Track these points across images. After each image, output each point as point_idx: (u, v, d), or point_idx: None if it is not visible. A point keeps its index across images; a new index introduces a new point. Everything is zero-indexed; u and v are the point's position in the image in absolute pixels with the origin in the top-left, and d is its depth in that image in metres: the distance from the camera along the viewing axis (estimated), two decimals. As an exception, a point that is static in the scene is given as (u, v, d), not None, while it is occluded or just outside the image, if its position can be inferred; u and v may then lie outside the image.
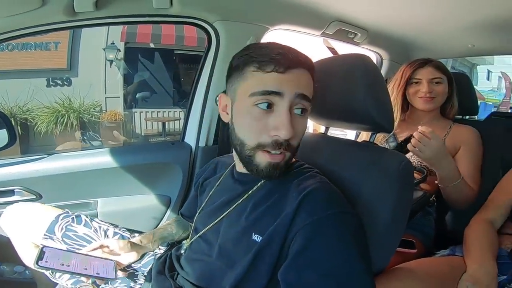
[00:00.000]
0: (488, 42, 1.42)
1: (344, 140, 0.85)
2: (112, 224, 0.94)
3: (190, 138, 1.19)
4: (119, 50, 5.91)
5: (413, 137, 0.98)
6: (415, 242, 0.98)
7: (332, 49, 2.45)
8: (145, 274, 0.81)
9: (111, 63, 5.88)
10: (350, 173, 0.70)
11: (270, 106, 0.57)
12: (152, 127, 6.41)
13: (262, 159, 0.59)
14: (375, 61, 1.64)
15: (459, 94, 1.24)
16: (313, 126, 2.19)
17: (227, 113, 0.65)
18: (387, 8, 1.16)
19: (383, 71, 1.65)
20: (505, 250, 0.89)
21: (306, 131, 0.64)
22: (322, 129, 0.91)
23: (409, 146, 1.00)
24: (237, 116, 0.62)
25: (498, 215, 0.95)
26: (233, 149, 0.65)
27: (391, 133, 1.23)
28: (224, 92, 0.67)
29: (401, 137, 1.21)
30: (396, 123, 1.21)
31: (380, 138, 1.27)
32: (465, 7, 1.07)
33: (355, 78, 0.69)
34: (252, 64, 0.58)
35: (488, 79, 17.73)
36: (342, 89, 0.71)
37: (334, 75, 0.73)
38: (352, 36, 1.37)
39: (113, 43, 5.83)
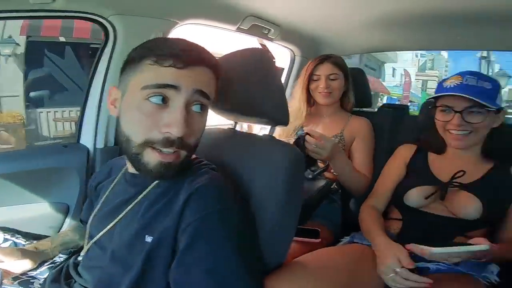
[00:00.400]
0: (387, 39, 1.59)
1: (248, 135, 0.87)
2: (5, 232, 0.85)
3: (86, 139, 1.09)
4: (17, 44, 5.21)
5: (305, 139, 1.05)
6: (319, 231, 1.05)
7: (263, 46, 2.52)
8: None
9: (6, 59, 5.12)
10: (247, 168, 0.72)
11: (165, 100, 0.54)
12: (63, 128, 5.72)
13: (152, 157, 0.56)
14: (289, 58, 1.73)
15: (355, 88, 1.38)
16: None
17: (115, 107, 0.61)
18: (297, 4, 1.22)
19: (295, 68, 1.73)
20: (393, 234, 0.96)
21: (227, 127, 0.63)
22: (256, 127, 0.93)
23: (307, 149, 1.06)
24: (125, 109, 0.58)
25: (382, 200, 1.04)
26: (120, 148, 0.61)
27: (300, 126, 1.32)
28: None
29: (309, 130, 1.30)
30: (303, 116, 1.32)
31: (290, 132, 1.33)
32: (366, 4, 1.17)
33: (250, 72, 0.71)
34: (150, 57, 0.55)
35: (393, 75, 20.58)
36: (241, 84, 0.73)
37: (235, 69, 0.74)
38: (266, 32, 1.41)
39: (10, 37, 5.15)
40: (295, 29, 1.48)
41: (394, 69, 20.00)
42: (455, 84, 0.86)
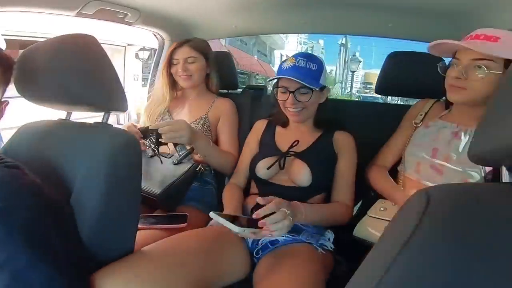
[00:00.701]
0: (251, 24, 1.64)
1: (77, 124, 0.80)
2: None
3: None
4: None
5: (159, 131, 1.03)
6: (187, 215, 1.03)
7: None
8: None
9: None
10: (70, 160, 0.68)
11: None
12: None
13: None
14: (156, 43, 1.65)
15: (221, 71, 1.39)
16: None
17: None
18: None
19: (165, 53, 1.64)
20: (250, 207, 1.00)
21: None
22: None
23: (165, 140, 1.05)
24: None
25: (241, 176, 1.11)
26: None
27: (166, 110, 1.29)
28: None
29: (177, 114, 1.29)
30: (167, 100, 1.29)
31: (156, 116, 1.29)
32: None
33: (68, 59, 0.65)
34: None
35: (281, 60, 22.41)
36: (60, 71, 0.66)
37: (53, 57, 0.67)
38: (121, 16, 1.29)
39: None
40: (159, 12, 1.40)
41: (281, 55, 21.81)
42: (289, 66, 0.97)
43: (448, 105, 0.97)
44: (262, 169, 1.00)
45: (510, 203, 0.38)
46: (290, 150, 1.01)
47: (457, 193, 0.40)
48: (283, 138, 1.08)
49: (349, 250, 0.90)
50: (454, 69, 0.83)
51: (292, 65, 0.97)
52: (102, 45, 0.72)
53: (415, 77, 1.19)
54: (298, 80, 0.93)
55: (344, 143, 1.04)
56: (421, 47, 1.42)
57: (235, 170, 1.15)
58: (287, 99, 0.99)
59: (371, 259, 0.42)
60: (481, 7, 1.04)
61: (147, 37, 1.71)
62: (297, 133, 1.06)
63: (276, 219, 0.73)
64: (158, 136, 1.03)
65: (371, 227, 0.90)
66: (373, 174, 1.03)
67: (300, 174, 0.96)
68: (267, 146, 1.09)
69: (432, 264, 0.35)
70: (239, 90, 1.66)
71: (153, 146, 1.04)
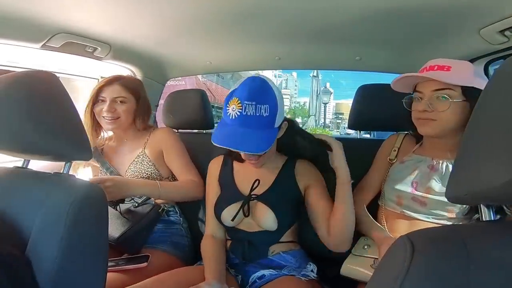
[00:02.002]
0: (225, 60, 1.64)
1: (33, 173, 0.76)
2: None
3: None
4: None
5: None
6: (149, 256, 1.00)
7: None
8: None
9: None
10: (27, 211, 0.64)
11: None
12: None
13: None
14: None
15: (195, 110, 1.37)
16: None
17: None
18: (126, 22, 1.12)
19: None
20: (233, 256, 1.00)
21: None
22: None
23: None
24: None
25: (213, 225, 1.02)
26: None
27: (105, 161, 1.18)
28: None
29: (114, 160, 1.19)
30: (92, 146, 1.09)
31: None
32: (202, 26, 1.18)
33: (22, 102, 0.61)
34: None
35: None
36: (13, 117, 0.62)
37: (4, 101, 0.63)
38: (91, 50, 1.26)
39: None
40: (130, 48, 1.38)
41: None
42: (236, 114, 0.81)
43: (418, 138, 1.00)
44: (227, 219, 0.94)
45: (496, 242, 0.39)
46: (252, 194, 0.94)
47: (440, 239, 0.40)
48: (242, 177, 1.01)
49: (336, 282, 0.92)
50: (419, 103, 0.87)
51: (238, 113, 0.80)
52: (73, 78, 0.68)
53: (386, 110, 1.21)
54: (249, 153, 0.89)
55: (310, 175, 0.99)
56: (388, 78, 1.50)
57: (206, 218, 1.06)
58: (242, 153, 0.94)
59: None
60: (441, 36, 1.11)
61: (120, 71, 1.67)
62: (256, 170, 0.99)
63: None
64: None
65: (356, 266, 0.90)
66: None
67: (265, 219, 0.91)
68: (227, 189, 1.02)
69: None
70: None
71: None
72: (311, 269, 0.95)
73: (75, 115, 0.69)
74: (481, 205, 0.44)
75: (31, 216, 0.63)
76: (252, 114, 0.80)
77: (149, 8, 1.01)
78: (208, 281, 0.84)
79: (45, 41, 1.07)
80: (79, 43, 1.18)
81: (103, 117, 1.12)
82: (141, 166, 1.15)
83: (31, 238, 0.61)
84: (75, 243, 0.61)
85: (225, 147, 0.81)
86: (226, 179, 1.03)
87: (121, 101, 1.14)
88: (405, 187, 0.91)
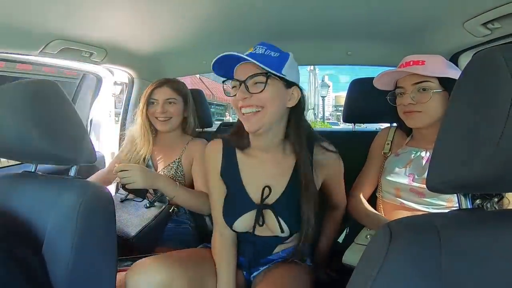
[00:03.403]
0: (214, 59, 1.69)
1: (47, 177, 0.80)
2: None
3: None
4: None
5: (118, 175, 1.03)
6: None
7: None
8: None
9: None
10: (40, 211, 0.68)
11: None
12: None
13: None
14: (126, 81, 1.64)
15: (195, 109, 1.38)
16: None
17: None
18: (121, 26, 1.15)
19: (135, 91, 1.66)
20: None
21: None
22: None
23: (121, 182, 1.05)
24: None
25: (222, 225, 0.95)
26: None
27: (149, 154, 1.23)
28: None
29: (159, 160, 1.26)
30: (151, 143, 1.23)
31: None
32: (195, 26, 1.21)
33: (28, 110, 0.65)
34: None
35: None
36: (20, 124, 0.65)
37: (12, 108, 0.66)
38: (87, 55, 1.29)
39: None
40: (126, 51, 1.41)
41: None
42: (246, 54, 0.77)
43: (408, 132, 1.04)
44: (242, 227, 0.89)
45: (468, 230, 0.42)
46: (264, 203, 0.87)
47: (416, 227, 0.43)
48: (250, 176, 0.90)
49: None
50: (402, 97, 0.92)
51: (248, 53, 0.78)
52: (71, 80, 0.71)
53: (379, 103, 1.23)
54: (251, 60, 0.74)
55: (333, 168, 0.93)
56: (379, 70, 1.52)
57: (213, 216, 0.99)
58: (237, 94, 0.78)
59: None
60: (427, 29, 1.15)
61: (117, 72, 1.70)
62: (264, 166, 0.89)
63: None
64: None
65: (358, 253, 0.91)
66: (353, 206, 1.05)
67: (277, 228, 0.86)
68: (235, 191, 0.91)
69: None
70: (222, 121, 1.66)
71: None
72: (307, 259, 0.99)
73: (78, 121, 0.72)
74: (459, 194, 0.47)
75: (44, 217, 0.67)
76: (261, 52, 0.78)
77: (143, 11, 1.03)
78: None
79: (41, 48, 1.09)
80: (75, 48, 1.21)
81: (156, 118, 1.20)
82: (174, 172, 1.21)
83: (46, 238, 0.65)
84: (87, 240, 0.66)
85: (229, 54, 0.75)
86: (231, 177, 0.92)
87: (171, 102, 1.21)
88: (402, 179, 0.94)
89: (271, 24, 1.21)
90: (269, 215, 0.87)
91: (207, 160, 0.97)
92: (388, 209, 0.99)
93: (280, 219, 0.85)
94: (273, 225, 0.87)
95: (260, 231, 0.90)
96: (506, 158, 0.35)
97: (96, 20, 1.07)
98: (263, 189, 0.86)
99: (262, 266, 0.97)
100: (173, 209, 1.14)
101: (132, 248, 1.06)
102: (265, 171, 0.89)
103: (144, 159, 1.23)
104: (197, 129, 1.39)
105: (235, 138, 0.91)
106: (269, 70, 0.75)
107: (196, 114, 1.33)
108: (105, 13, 1.02)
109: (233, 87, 0.82)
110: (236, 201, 0.91)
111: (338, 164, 0.93)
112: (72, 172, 0.78)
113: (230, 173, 0.92)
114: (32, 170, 0.83)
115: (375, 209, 1.02)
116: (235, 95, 0.79)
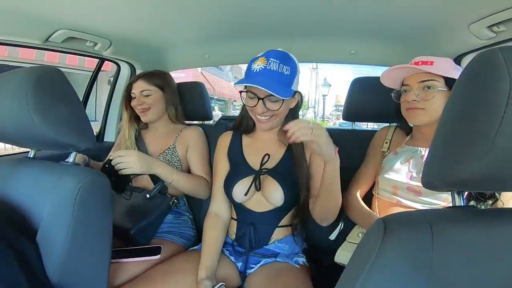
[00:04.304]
0: (223, 53, 1.66)
1: (46, 163, 0.79)
2: None
3: None
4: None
5: (111, 163, 1.03)
6: (161, 247, 1.05)
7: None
8: None
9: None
10: (36, 197, 0.69)
11: None
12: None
13: None
14: (126, 73, 1.64)
15: (194, 102, 1.42)
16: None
17: None
18: (126, 16, 1.15)
19: (122, 80, 1.67)
20: (231, 240, 1.05)
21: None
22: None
23: (117, 167, 1.05)
24: None
25: (220, 202, 1.06)
26: None
27: (135, 143, 1.28)
28: None
29: (148, 145, 1.29)
30: (132, 134, 1.29)
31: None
32: (200, 20, 1.22)
33: (29, 95, 0.64)
34: None
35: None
36: (21, 109, 0.65)
37: (13, 94, 0.66)
38: (91, 45, 1.29)
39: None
40: (130, 42, 1.41)
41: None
42: (260, 69, 0.88)
43: (408, 131, 1.05)
44: (239, 194, 0.97)
45: (460, 227, 0.42)
46: (263, 168, 0.97)
47: (410, 222, 0.44)
48: (252, 150, 1.05)
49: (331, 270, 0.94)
50: (407, 94, 0.93)
51: (263, 67, 0.88)
52: (75, 71, 0.71)
53: (379, 102, 1.24)
54: (267, 90, 0.86)
55: None
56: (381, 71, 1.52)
57: (212, 195, 1.10)
58: (256, 105, 0.93)
59: (342, 282, 0.46)
60: (432, 30, 1.15)
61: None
62: (265, 143, 1.04)
63: None
64: (111, 166, 1.01)
65: (350, 252, 0.92)
66: (349, 203, 1.06)
67: (273, 194, 0.95)
68: (237, 163, 1.04)
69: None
70: (219, 116, 1.66)
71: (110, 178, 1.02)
72: (302, 261, 1.01)
73: (79, 107, 0.72)
74: (453, 191, 0.48)
75: (41, 203, 0.67)
76: (275, 69, 0.88)
77: (148, 2, 1.03)
78: (201, 278, 0.90)
79: (46, 37, 1.10)
80: (80, 38, 1.21)
81: (137, 110, 1.27)
82: (170, 158, 1.24)
83: (42, 224, 0.65)
84: (83, 227, 0.66)
85: (248, 85, 0.91)
86: (236, 153, 1.06)
87: (146, 95, 1.26)
88: (400, 177, 0.95)
89: (275, 20, 1.21)
90: (267, 180, 0.96)
91: (218, 145, 1.12)
92: (383, 207, 1.00)
93: (277, 183, 0.94)
94: (270, 192, 0.95)
95: (257, 204, 0.99)
96: (501, 156, 0.36)
97: (102, 9, 1.07)
98: (263, 157, 0.96)
99: (258, 261, 0.99)
100: (173, 201, 1.15)
101: (129, 239, 1.06)
102: (264, 146, 1.03)
103: (129, 147, 1.26)
104: (195, 122, 1.42)
105: (241, 124, 1.09)
106: (282, 97, 0.88)
107: (179, 103, 1.35)
108: (111, 3, 1.02)
109: (250, 98, 0.95)
110: (238, 170, 1.02)
111: None
112: (71, 158, 0.78)
113: (235, 150, 1.07)
114: (31, 156, 0.83)
115: (370, 206, 1.03)
116: (254, 106, 0.93)
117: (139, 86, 1.26)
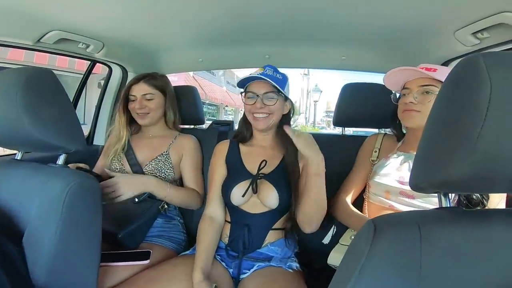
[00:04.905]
0: (216, 58, 1.66)
1: (34, 166, 0.79)
2: None
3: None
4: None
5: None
6: (150, 252, 1.03)
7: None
8: None
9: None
10: (24, 200, 0.68)
11: None
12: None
13: None
14: (118, 75, 1.63)
15: (186, 106, 1.41)
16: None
17: None
18: (120, 19, 1.15)
19: (114, 83, 1.66)
20: (224, 244, 1.04)
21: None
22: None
23: (108, 202, 1.05)
24: None
25: (214, 205, 1.07)
26: None
27: (123, 148, 1.24)
28: None
29: (138, 151, 1.25)
30: (123, 140, 1.24)
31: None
32: (194, 24, 1.22)
33: (19, 96, 0.64)
34: None
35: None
36: (10, 110, 0.64)
37: (2, 95, 0.66)
38: (83, 47, 1.28)
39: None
40: (123, 44, 1.40)
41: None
42: (258, 73, 1.02)
43: (399, 137, 1.07)
44: (237, 196, 1.00)
45: (447, 228, 0.44)
46: (260, 173, 1.01)
47: (399, 223, 0.45)
48: (250, 158, 1.08)
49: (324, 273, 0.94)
50: (406, 97, 0.96)
51: (260, 72, 1.03)
52: (65, 74, 0.71)
53: (370, 108, 1.27)
54: (267, 79, 0.98)
55: None
56: (373, 77, 1.55)
57: (207, 198, 1.10)
58: (255, 102, 1.02)
59: (333, 284, 0.47)
60: (420, 37, 1.18)
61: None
62: (262, 151, 1.09)
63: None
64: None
65: (343, 254, 0.92)
66: (339, 209, 1.07)
67: (269, 196, 0.98)
68: (236, 168, 1.08)
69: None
70: (208, 122, 1.66)
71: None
72: (295, 265, 1.02)
73: (70, 109, 0.71)
74: (439, 193, 0.49)
75: (29, 206, 0.66)
76: (270, 74, 1.03)
77: (143, 5, 1.04)
78: (199, 280, 0.89)
79: (39, 38, 1.09)
80: (72, 40, 1.20)
81: (136, 113, 1.24)
82: (163, 165, 1.21)
83: (29, 226, 0.64)
84: (71, 230, 0.65)
85: (249, 83, 1.05)
86: (234, 159, 1.10)
87: (148, 98, 1.24)
88: (392, 182, 0.97)
89: (269, 26, 1.23)
90: (264, 184, 1.00)
91: (215, 152, 1.15)
92: (375, 211, 1.01)
93: (272, 187, 0.98)
94: (266, 195, 0.98)
95: (253, 206, 1.01)
96: (483, 158, 0.37)
97: (96, 11, 1.07)
98: (261, 162, 1.02)
99: (251, 266, 0.99)
100: (163, 206, 1.13)
101: (117, 243, 1.04)
102: (262, 153, 1.08)
103: (120, 152, 1.24)
104: (187, 126, 1.40)
105: (239, 134, 1.15)
106: (280, 89, 1.01)
107: (177, 109, 1.34)
108: (106, 4, 1.02)
109: (249, 98, 1.05)
110: (236, 174, 1.06)
111: None
112: (60, 161, 0.77)
113: (233, 156, 1.11)
114: (18, 158, 0.82)
115: (361, 210, 1.04)
116: (252, 104, 1.04)
117: (141, 89, 1.23)
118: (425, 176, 0.45)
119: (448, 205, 0.49)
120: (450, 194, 0.50)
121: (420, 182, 0.47)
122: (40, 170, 0.74)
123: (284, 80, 1.05)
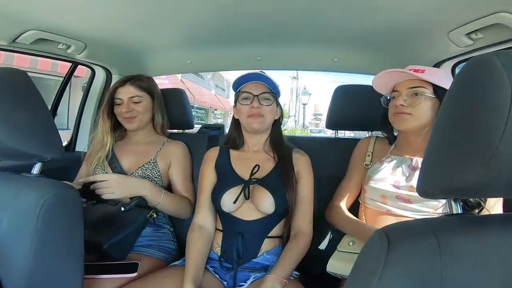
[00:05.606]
0: (205, 60, 1.61)
1: (6, 175, 0.73)
2: None
3: None
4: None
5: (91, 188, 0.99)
6: (138, 264, 0.98)
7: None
8: None
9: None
10: None
11: None
12: None
13: None
14: (101, 78, 1.56)
15: (175, 110, 1.36)
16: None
17: None
18: (103, 18, 1.08)
19: (97, 86, 1.59)
20: (216, 254, 1.00)
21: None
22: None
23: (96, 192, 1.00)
24: None
25: (204, 213, 1.03)
26: None
27: (107, 156, 1.17)
28: None
29: (124, 158, 1.19)
30: (107, 146, 1.17)
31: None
32: (182, 24, 1.17)
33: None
34: None
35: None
36: None
37: None
38: (63, 48, 1.21)
39: None
40: (107, 45, 1.33)
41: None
42: (254, 74, 1.04)
43: (391, 140, 1.05)
44: (228, 202, 0.96)
45: (463, 235, 0.41)
46: (253, 178, 0.98)
47: (414, 233, 0.42)
48: (241, 163, 1.05)
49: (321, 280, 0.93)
50: (396, 99, 0.95)
51: (255, 74, 1.04)
52: (47, 77, 0.65)
53: (362, 110, 1.25)
54: (263, 83, 1.01)
55: (303, 164, 1.05)
56: (364, 79, 1.54)
57: (196, 206, 1.06)
58: (251, 102, 1.02)
59: None
60: (413, 39, 1.17)
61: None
62: (253, 155, 1.07)
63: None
64: (86, 190, 0.96)
65: (342, 262, 0.92)
66: (335, 216, 1.04)
67: (264, 201, 0.95)
68: (226, 174, 1.04)
69: None
70: (197, 127, 1.61)
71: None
72: (294, 273, 0.98)
73: (46, 114, 0.67)
74: (449, 199, 0.47)
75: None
76: (266, 76, 1.04)
77: (128, 3, 0.98)
78: None
79: (14, 38, 1.02)
80: (51, 40, 1.13)
81: (124, 118, 1.17)
82: (150, 172, 1.16)
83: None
84: (48, 245, 0.60)
85: (245, 83, 1.04)
86: (224, 165, 1.07)
87: (136, 101, 1.18)
88: (388, 186, 0.95)
89: (259, 26, 1.19)
90: (257, 189, 0.97)
91: (204, 159, 1.11)
92: (372, 216, 1.00)
93: (267, 191, 0.95)
94: (260, 199, 0.95)
95: (247, 213, 0.97)
96: (505, 162, 0.35)
97: (76, 10, 1.00)
98: (254, 167, 0.99)
99: (248, 277, 0.95)
100: (151, 215, 1.06)
101: (103, 254, 0.98)
102: (253, 158, 1.06)
103: (104, 160, 1.17)
104: (176, 130, 1.35)
105: (230, 141, 1.12)
106: (274, 93, 1.04)
107: (165, 112, 1.28)
108: (87, 2, 0.96)
109: (244, 98, 1.04)
110: (226, 180, 1.02)
111: (307, 162, 1.07)
112: (35, 170, 0.72)
113: (223, 162, 1.08)
114: None
115: (356, 215, 1.02)
116: (248, 104, 1.03)
117: (128, 92, 1.17)
118: (435, 181, 0.43)
119: (460, 211, 0.46)
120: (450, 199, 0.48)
121: (428, 188, 0.44)
122: (10, 180, 0.68)
123: (276, 84, 1.06)
